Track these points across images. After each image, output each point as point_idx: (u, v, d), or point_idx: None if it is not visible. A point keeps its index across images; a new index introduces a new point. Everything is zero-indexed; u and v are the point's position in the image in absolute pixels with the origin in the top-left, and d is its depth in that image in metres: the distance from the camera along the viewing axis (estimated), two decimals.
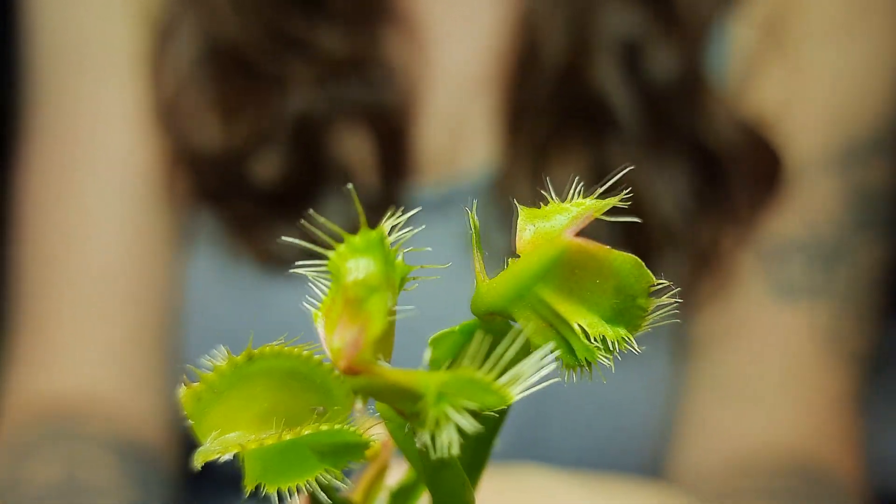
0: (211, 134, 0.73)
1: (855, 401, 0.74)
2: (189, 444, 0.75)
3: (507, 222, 0.70)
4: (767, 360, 0.73)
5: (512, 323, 0.30)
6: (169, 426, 0.74)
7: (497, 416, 0.33)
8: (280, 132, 0.73)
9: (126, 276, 0.74)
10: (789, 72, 0.73)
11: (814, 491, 0.67)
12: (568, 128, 0.72)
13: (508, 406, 0.32)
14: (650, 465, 0.74)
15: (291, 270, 0.27)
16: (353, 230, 0.87)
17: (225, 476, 0.76)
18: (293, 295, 0.74)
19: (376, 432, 0.39)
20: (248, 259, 0.74)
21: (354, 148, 0.74)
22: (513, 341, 0.26)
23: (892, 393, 1.03)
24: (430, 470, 0.32)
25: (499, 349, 0.25)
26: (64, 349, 0.73)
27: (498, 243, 0.70)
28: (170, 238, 0.76)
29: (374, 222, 0.85)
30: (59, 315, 0.73)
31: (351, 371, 0.25)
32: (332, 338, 0.26)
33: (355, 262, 0.26)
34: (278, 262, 0.73)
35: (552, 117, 0.73)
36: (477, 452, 0.34)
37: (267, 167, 0.73)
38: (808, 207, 0.73)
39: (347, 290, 0.25)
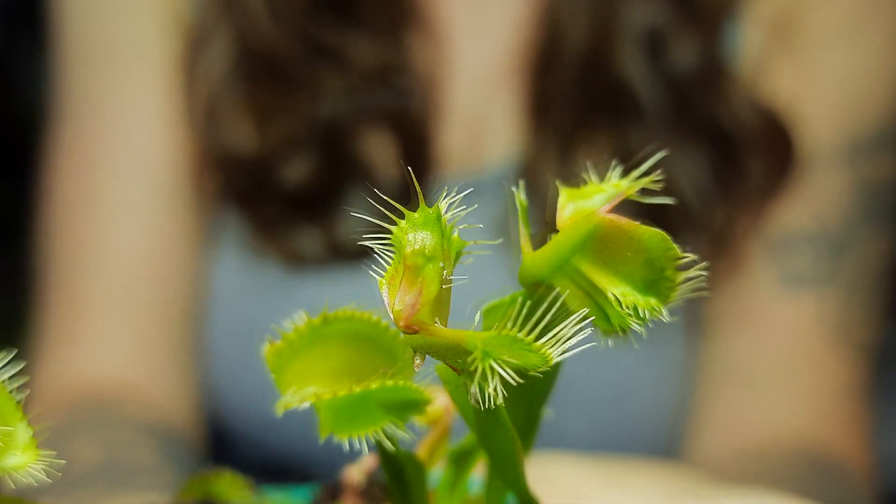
0: (244, 138, 0.75)
1: (862, 390, 0.75)
2: (213, 428, 0.79)
3: (532, 208, 0.72)
4: (776, 349, 0.74)
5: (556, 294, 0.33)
6: (195, 411, 0.77)
7: (543, 380, 0.36)
8: (310, 137, 0.75)
9: (153, 268, 0.77)
10: (798, 68, 0.75)
11: (822, 478, 0.68)
12: (592, 116, 0.74)
13: (556, 372, 0.36)
14: (661, 451, 0.76)
15: (360, 243, 0.31)
16: (375, 227, 0.89)
17: (247, 462, 0.80)
18: (314, 290, 0.78)
19: (440, 399, 0.43)
20: (273, 257, 0.76)
21: (378, 149, 0.76)
22: (551, 305, 0.29)
23: None
24: (483, 429, 0.35)
25: (538, 312, 0.29)
26: (94, 338, 0.76)
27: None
28: (196, 234, 0.79)
29: (398, 216, 0.87)
30: (88, 305, 0.76)
31: (409, 329, 0.29)
32: (394, 301, 0.30)
33: (414, 235, 0.30)
34: (301, 261, 0.76)
35: (576, 106, 0.74)
36: (528, 417, 0.37)
37: (296, 171, 0.75)
38: (817, 199, 0.75)
39: (407, 259, 0.29)
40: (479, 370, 0.28)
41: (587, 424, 0.73)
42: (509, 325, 0.29)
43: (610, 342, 0.33)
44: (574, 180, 0.35)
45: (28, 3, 1.01)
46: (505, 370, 0.28)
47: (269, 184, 0.76)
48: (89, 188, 0.78)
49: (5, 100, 1.50)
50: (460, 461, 0.42)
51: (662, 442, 0.75)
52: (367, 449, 0.34)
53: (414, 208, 0.31)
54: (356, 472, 0.42)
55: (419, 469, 0.37)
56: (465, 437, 0.42)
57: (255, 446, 0.77)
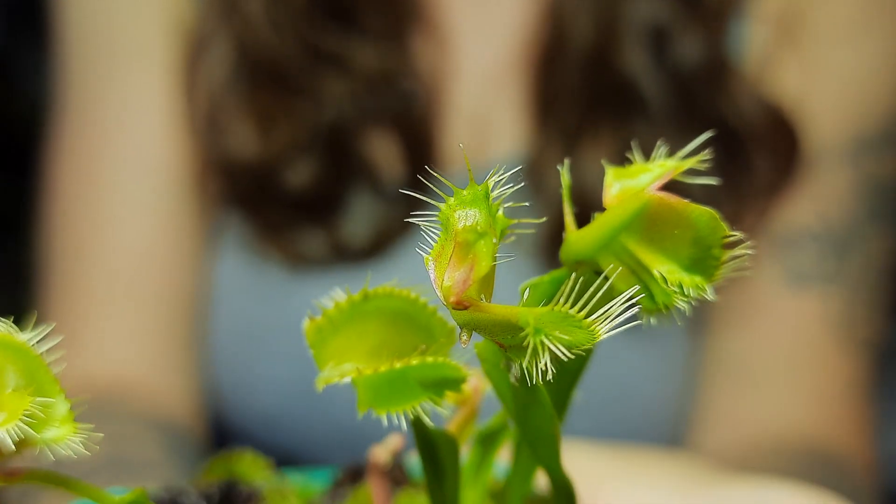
0: (246, 143, 0.75)
1: (866, 387, 0.76)
2: (216, 423, 0.80)
3: (537, 206, 0.73)
4: (780, 346, 0.75)
5: (596, 274, 0.33)
6: (198, 407, 0.78)
7: (578, 359, 0.36)
8: (313, 142, 0.75)
9: (155, 266, 0.77)
10: (804, 66, 0.75)
11: (825, 474, 0.68)
12: (597, 112, 0.74)
13: (591, 352, 0.36)
14: (665, 447, 0.76)
15: (405, 220, 0.31)
16: (380, 229, 0.89)
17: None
18: (316, 291, 0.77)
19: (469, 380, 0.43)
20: (275, 259, 0.76)
21: (382, 151, 0.76)
22: (602, 285, 0.29)
23: None
24: (520, 406, 0.35)
25: (590, 291, 0.29)
26: (97, 336, 0.76)
27: (527, 227, 0.72)
28: (199, 235, 0.79)
29: (401, 215, 0.88)
30: (91, 303, 0.77)
31: (460, 305, 0.29)
32: (443, 277, 0.29)
33: (464, 212, 0.29)
34: (304, 262, 0.76)
35: (581, 102, 0.74)
36: (560, 396, 0.37)
37: (299, 175, 0.75)
38: (821, 197, 0.75)
39: (458, 235, 0.29)
40: (531, 346, 0.28)
41: (591, 422, 0.73)
42: (561, 301, 0.28)
43: (653, 320, 0.33)
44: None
45: (30, 2, 1.01)
46: (556, 346, 0.28)
47: (273, 187, 0.76)
48: (91, 187, 0.78)
49: (7, 99, 1.50)
50: (487, 442, 0.42)
51: (666, 438, 0.76)
52: (398, 427, 0.34)
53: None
54: (382, 453, 0.42)
55: (453, 447, 0.37)
56: (493, 417, 0.42)
57: (256, 442, 0.77)
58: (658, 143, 0.33)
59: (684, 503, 0.50)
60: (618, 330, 0.30)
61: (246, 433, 0.79)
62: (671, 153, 0.87)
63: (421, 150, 0.76)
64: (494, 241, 0.29)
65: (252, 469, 0.45)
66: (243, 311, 0.78)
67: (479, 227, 0.29)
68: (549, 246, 0.72)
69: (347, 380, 0.33)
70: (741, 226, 0.74)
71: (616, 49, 0.74)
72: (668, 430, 0.77)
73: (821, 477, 0.68)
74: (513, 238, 0.33)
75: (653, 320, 0.33)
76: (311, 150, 0.76)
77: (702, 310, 0.77)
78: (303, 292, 0.76)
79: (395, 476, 0.45)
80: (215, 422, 0.80)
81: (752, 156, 0.74)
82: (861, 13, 0.75)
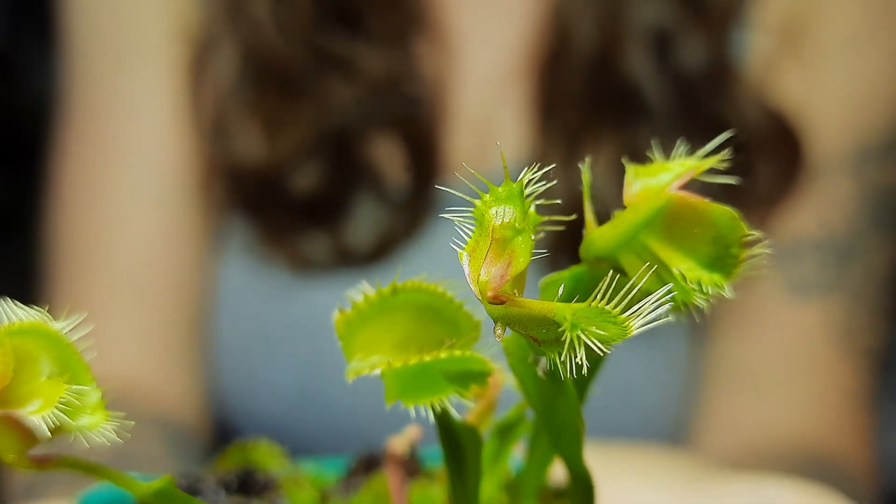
0: (253, 147, 0.76)
1: (867, 395, 0.77)
2: (219, 423, 0.80)
3: (539, 210, 0.73)
4: (782, 354, 0.76)
5: (615, 270, 0.34)
6: (201, 407, 0.78)
7: (599, 355, 0.37)
8: (319, 146, 0.76)
9: (159, 267, 0.78)
10: (806, 74, 0.76)
11: (825, 481, 0.70)
12: (599, 116, 0.75)
13: (605, 355, 0.37)
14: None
15: (441, 216, 0.31)
16: (384, 233, 0.90)
17: None
18: (319, 294, 0.78)
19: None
20: (280, 262, 0.77)
21: (386, 156, 0.77)
22: (634, 283, 0.30)
23: None
24: (547, 399, 0.36)
25: (626, 289, 0.30)
26: (101, 336, 0.76)
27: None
28: (203, 238, 0.79)
29: (404, 222, 0.88)
30: (95, 303, 0.77)
31: (497, 300, 0.30)
32: (479, 273, 0.30)
33: (500, 209, 0.30)
34: (308, 266, 0.77)
35: (584, 106, 0.75)
36: (580, 390, 0.38)
37: (305, 178, 0.76)
38: (823, 206, 0.76)
39: (495, 231, 0.30)
40: (568, 340, 0.29)
41: (593, 426, 0.74)
42: (598, 297, 0.29)
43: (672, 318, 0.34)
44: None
45: (36, 2, 1.00)
46: (592, 341, 0.29)
47: (278, 191, 0.76)
48: (96, 189, 0.78)
49: (13, 98, 1.49)
50: (504, 434, 0.43)
51: (667, 443, 0.77)
52: (418, 420, 0.35)
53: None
54: (401, 443, 0.43)
55: (476, 439, 0.37)
56: (510, 410, 0.43)
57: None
58: (678, 142, 0.34)
59: (681, 500, 0.51)
60: (648, 326, 0.31)
61: (249, 434, 0.80)
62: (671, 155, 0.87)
63: (425, 155, 0.77)
64: (532, 237, 0.30)
65: (267, 457, 0.46)
66: (248, 313, 0.78)
67: (517, 224, 0.30)
68: (553, 250, 0.73)
69: (377, 371, 0.34)
70: None
71: (619, 53, 0.75)
72: (669, 436, 0.78)
73: (819, 482, 0.69)
74: (542, 235, 0.34)
75: (671, 318, 0.34)
76: (317, 154, 0.76)
77: (702, 317, 0.78)
78: (306, 297, 0.77)
79: (409, 467, 0.45)
80: (219, 422, 0.80)
81: (755, 162, 0.75)
82: (864, 22, 0.76)
